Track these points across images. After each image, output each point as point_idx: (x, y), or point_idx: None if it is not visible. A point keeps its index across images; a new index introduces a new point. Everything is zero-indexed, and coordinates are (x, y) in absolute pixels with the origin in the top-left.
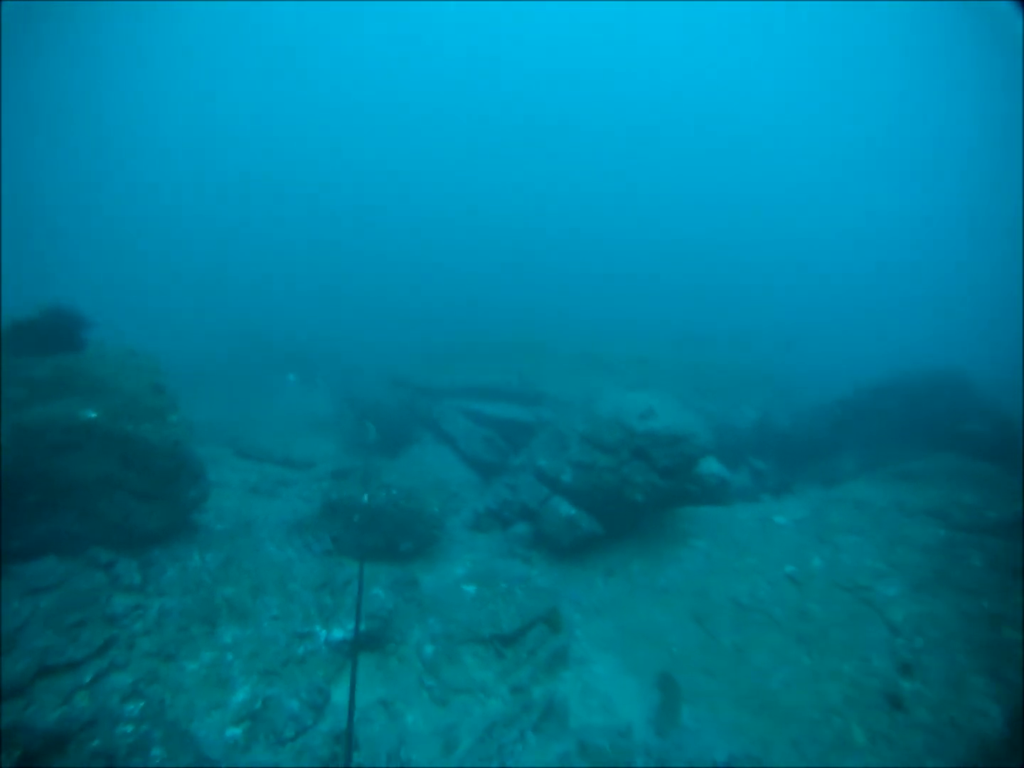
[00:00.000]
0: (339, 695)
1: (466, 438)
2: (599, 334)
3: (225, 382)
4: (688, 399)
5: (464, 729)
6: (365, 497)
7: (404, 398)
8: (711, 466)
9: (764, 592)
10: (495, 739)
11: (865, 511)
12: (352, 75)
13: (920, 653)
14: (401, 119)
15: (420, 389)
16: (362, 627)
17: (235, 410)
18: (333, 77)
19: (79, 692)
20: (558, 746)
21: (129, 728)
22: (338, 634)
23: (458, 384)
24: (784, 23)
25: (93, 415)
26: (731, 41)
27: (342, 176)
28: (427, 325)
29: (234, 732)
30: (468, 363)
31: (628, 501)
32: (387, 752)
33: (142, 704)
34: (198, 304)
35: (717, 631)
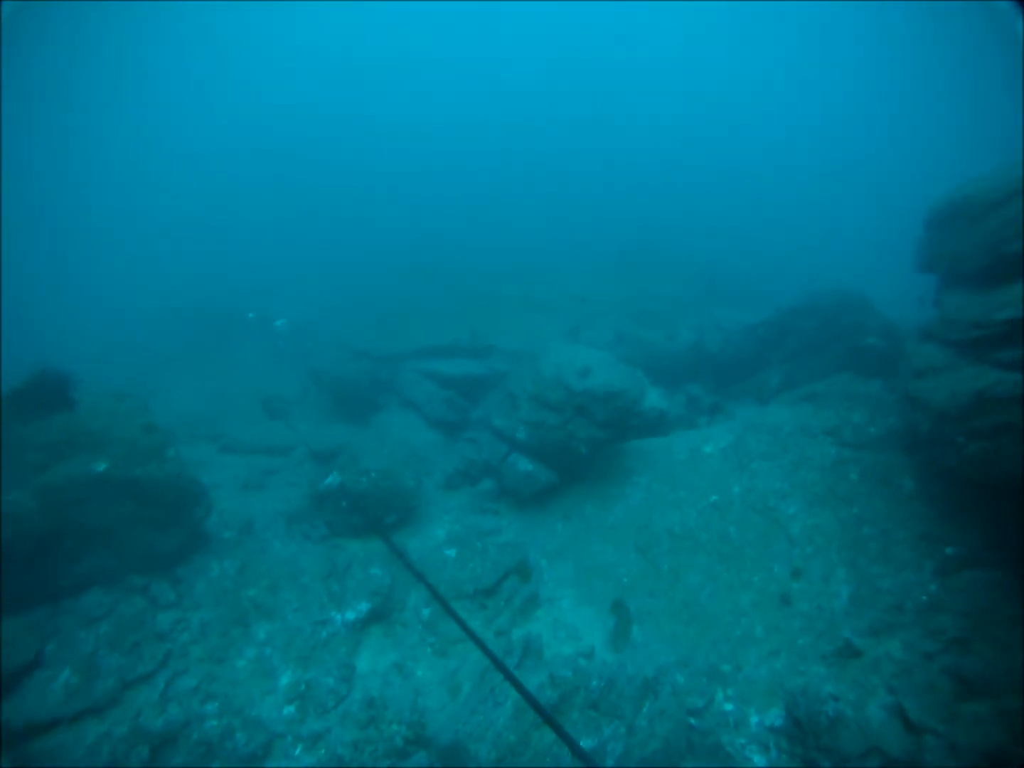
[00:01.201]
0: (362, 664)
1: (428, 402)
2: (542, 271)
3: (189, 362)
4: (626, 331)
5: (463, 673)
6: (334, 477)
7: (366, 368)
8: (651, 400)
9: (694, 521)
10: (487, 682)
11: (776, 436)
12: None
13: (808, 558)
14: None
15: (380, 357)
16: (368, 606)
17: (206, 394)
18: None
19: (170, 703)
20: (535, 679)
21: (214, 722)
22: (350, 615)
23: (413, 347)
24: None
25: (102, 467)
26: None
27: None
28: (378, 285)
29: (289, 710)
30: (420, 322)
31: (575, 453)
32: (408, 707)
33: (217, 704)
34: (154, 286)
35: (657, 559)
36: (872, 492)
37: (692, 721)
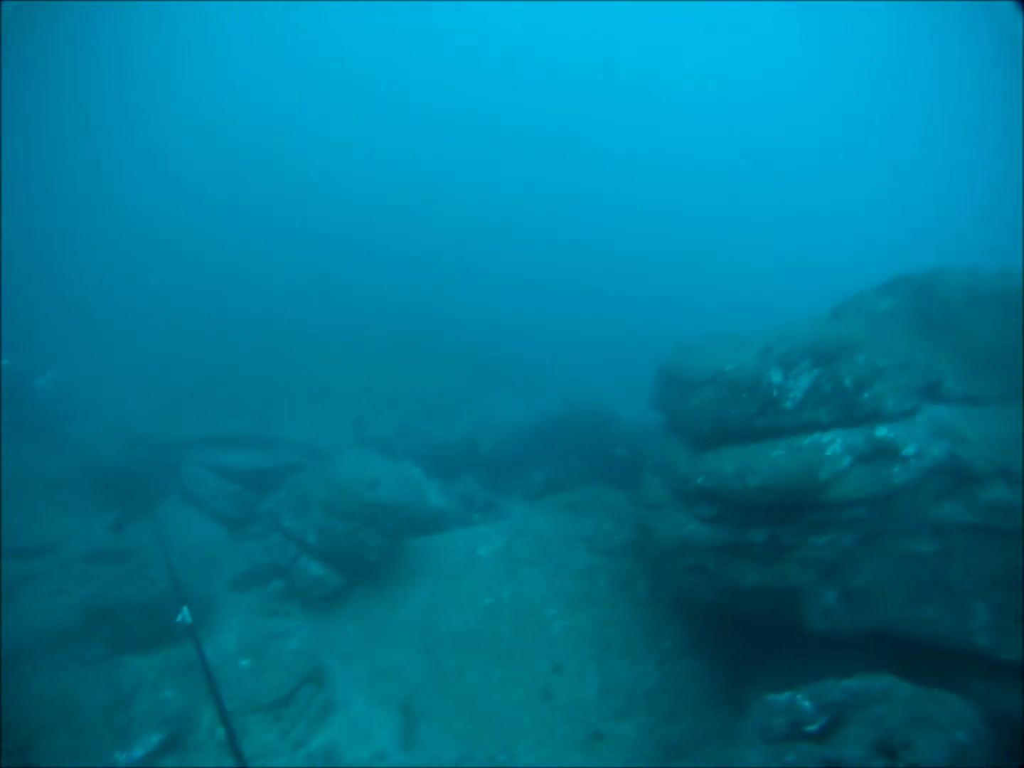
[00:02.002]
0: None
1: (214, 497)
2: (329, 357)
3: None
4: (409, 424)
5: None
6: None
7: (146, 455)
8: (431, 498)
9: (472, 622)
10: None
11: (541, 541)
12: None
13: (567, 656)
14: None
15: (162, 444)
16: (159, 737)
17: None
18: None
19: None
20: None
21: None
22: (138, 752)
23: (198, 435)
24: (776, 22)
25: None
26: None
27: None
28: (164, 357)
29: None
30: (206, 409)
31: (366, 559)
32: None
33: None
34: None
35: (441, 659)
36: (616, 595)
37: None
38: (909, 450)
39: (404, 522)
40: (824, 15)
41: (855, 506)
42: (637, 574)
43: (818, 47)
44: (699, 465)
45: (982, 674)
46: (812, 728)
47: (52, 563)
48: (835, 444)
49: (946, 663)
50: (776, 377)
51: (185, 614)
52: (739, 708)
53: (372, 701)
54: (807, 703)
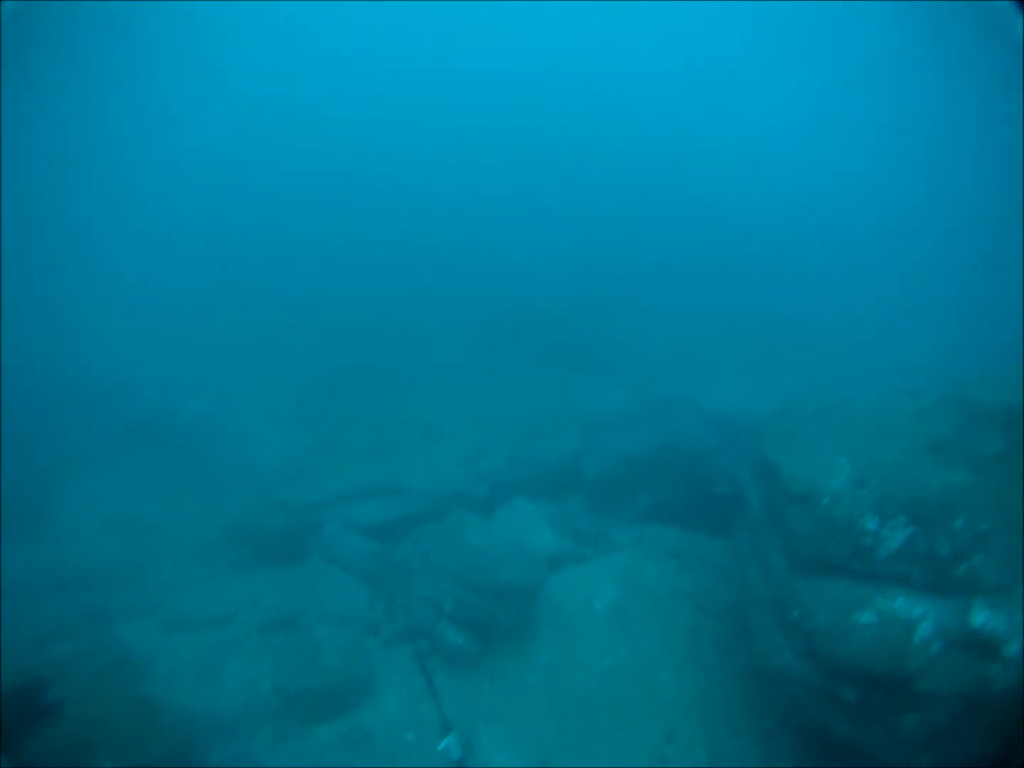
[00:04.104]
0: None
1: (354, 558)
2: (429, 382)
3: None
4: (516, 454)
5: None
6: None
7: (287, 519)
8: (546, 541)
9: (593, 684)
10: None
11: (651, 597)
12: None
13: (678, 722)
14: None
15: (300, 507)
16: None
17: (120, 524)
18: None
19: None
20: None
21: None
22: None
23: (331, 495)
24: (779, 23)
25: None
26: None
27: None
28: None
29: None
30: (333, 462)
31: (497, 628)
32: None
33: None
34: None
35: (570, 721)
36: (719, 661)
37: None
38: (1013, 648)
39: (530, 596)
40: (819, 16)
41: (950, 700)
42: (736, 639)
43: (815, 49)
44: (795, 594)
45: None
46: None
47: (236, 632)
48: (926, 623)
49: None
50: (871, 524)
51: (450, 746)
52: None
53: (516, 759)
54: None
